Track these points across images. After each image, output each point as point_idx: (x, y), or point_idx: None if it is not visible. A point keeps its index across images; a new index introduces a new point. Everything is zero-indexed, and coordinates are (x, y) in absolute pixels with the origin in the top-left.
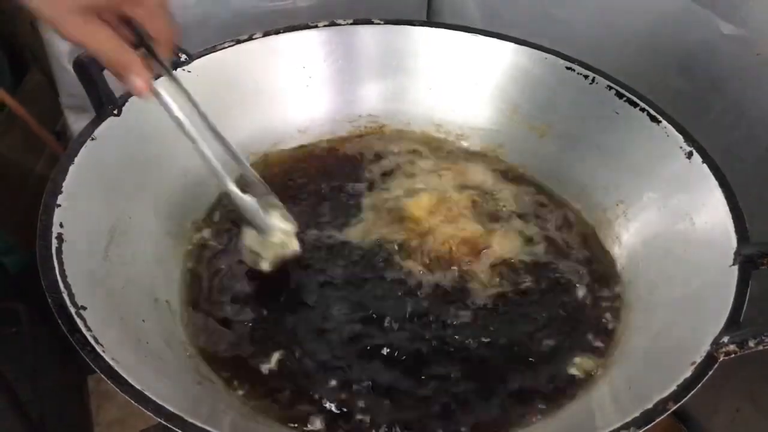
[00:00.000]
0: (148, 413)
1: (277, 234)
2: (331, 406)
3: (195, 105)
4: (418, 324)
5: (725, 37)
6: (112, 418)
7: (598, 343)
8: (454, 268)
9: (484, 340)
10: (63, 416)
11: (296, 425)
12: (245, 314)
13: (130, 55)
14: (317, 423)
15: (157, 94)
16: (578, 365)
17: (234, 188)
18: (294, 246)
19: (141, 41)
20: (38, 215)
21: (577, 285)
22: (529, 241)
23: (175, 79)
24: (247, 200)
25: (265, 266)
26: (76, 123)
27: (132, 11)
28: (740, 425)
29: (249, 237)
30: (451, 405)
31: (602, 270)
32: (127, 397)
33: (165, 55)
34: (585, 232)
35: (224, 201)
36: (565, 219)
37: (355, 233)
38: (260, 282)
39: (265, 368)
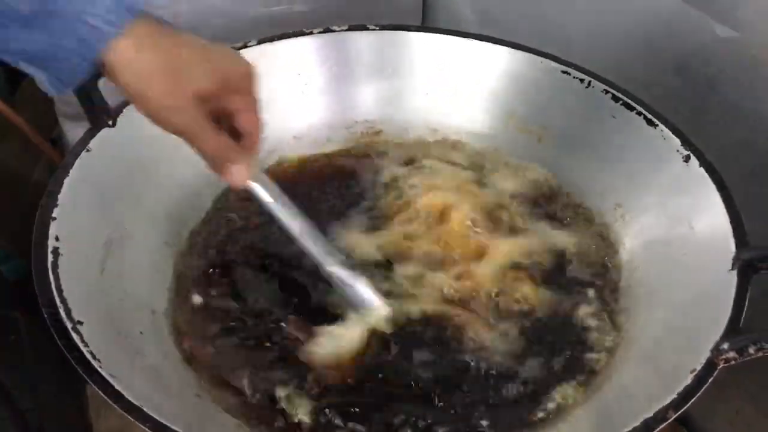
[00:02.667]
0: (147, 430)
1: (374, 314)
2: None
3: (279, 193)
4: None
5: (721, 39)
6: (111, 425)
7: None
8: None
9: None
10: (62, 425)
11: None
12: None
13: (233, 149)
14: None
15: (252, 187)
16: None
17: (336, 269)
18: (384, 328)
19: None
20: (34, 225)
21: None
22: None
23: (263, 173)
24: (348, 279)
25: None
26: (72, 131)
27: (231, 101)
28: (741, 427)
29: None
30: None
31: (600, 274)
32: (125, 414)
33: (252, 150)
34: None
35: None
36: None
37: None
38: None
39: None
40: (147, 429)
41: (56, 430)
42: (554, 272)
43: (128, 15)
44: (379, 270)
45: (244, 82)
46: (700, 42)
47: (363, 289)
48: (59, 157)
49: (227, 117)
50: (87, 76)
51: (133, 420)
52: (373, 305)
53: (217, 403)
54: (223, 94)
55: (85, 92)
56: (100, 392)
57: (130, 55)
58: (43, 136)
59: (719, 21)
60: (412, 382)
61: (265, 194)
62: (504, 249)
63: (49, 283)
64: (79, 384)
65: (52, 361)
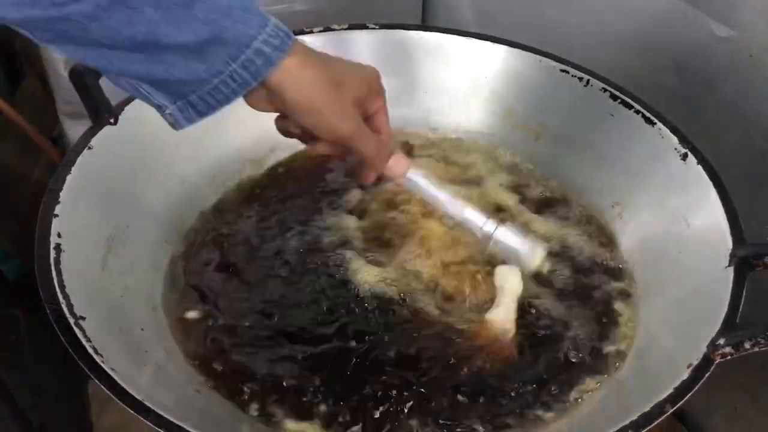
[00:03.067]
0: (149, 423)
1: (538, 256)
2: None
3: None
4: None
5: (719, 39)
6: (113, 423)
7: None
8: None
9: None
10: (64, 423)
11: None
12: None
13: (387, 145)
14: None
15: (410, 175)
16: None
17: (495, 229)
18: (544, 269)
19: None
20: (36, 223)
21: (573, 287)
22: None
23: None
24: (507, 233)
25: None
26: (73, 129)
27: (373, 104)
28: (738, 422)
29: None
30: None
31: (598, 273)
32: (127, 408)
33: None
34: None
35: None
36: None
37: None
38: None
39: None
40: (149, 423)
41: (57, 429)
42: (552, 272)
43: (287, 37)
44: None
45: (379, 85)
46: (699, 41)
47: (519, 237)
48: (60, 156)
49: (365, 120)
50: (231, 102)
51: (135, 415)
52: (530, 247)
53: (217, 398)
54: (368, 99)
55: (86, 90)
56: (102, 387)
57: (297, 73)
58: (43, 135)
59: (717, 20)
60: None
61: (421, 179)
62: None
63: (52, 280)
64: (80, 382)
65: (53, 360)
